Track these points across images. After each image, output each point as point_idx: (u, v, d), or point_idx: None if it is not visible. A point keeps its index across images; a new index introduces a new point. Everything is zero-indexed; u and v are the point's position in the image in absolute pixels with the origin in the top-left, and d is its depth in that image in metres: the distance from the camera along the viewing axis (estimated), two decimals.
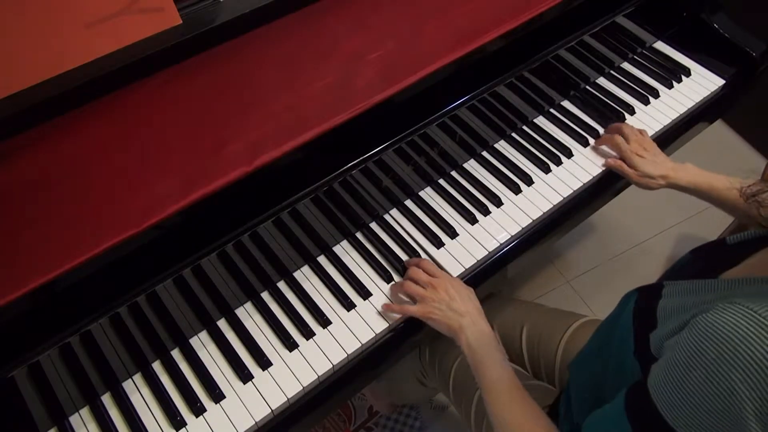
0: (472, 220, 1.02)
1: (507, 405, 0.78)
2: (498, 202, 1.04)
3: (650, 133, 1.15)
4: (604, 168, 1.09)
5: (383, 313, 0.92)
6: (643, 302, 0.66)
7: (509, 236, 1.01)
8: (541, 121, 1.16)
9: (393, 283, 0.95)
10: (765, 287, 0.54)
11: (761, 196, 0.61)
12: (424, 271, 0.92)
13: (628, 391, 0.59)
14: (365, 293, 0.94)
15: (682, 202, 1.96)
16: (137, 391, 0.85)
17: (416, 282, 0.90)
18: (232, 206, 0.79)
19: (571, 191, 1.06)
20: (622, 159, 1.06)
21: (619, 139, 1.07)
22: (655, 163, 1.03)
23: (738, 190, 0.88)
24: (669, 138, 1.18)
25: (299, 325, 0.91)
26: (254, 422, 0.83)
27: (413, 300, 0.90)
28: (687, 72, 1.25)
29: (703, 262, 0.71)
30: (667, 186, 1.02)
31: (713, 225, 1.74)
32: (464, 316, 0.86)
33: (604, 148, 1.11)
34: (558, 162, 1.10)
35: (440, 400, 1.55)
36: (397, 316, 0.91)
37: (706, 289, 0.59)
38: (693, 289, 0.61)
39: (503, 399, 0.78)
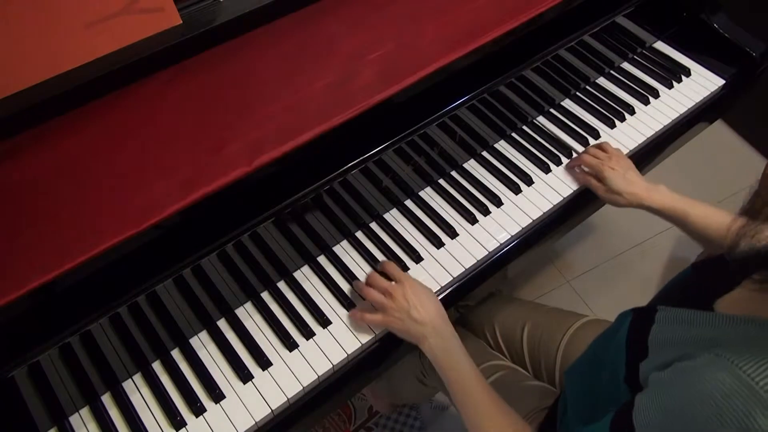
0: (472, 220, 1.02)
1: (478, 413, 0.78)
2: (498, 202, 1.04)
3: (650, 133, 1.15)
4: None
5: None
6: (637, 326, 0.65)
7: (509, 236, 1.01)
8: (541, 121, 1.16)
9: (356, 281, 0.94)
10: (751, 330, 0.53)
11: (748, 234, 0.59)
12: (386, 272, 0.91)
13: (614, 419, 0.58)
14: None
15: None
16: (137, 391, 0.85)
17: (377, 287, 0.89)
18: (232, 206, 0.79)
19: (571, 191, 1.06)
20: (594, 174, 1.02)
21: (589, 156, 1.03)
22: (626, 179, 0.98)
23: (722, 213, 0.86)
24: (669, 138, 1.18)
25: (299, 325, 0.91)
26: (254, 422, 0.83)
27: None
28: (687, 72, 1.25)
29: (701, 282, 0.69)
30: (637, 206, 0.98)
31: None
32: (425, 325, 0.83)
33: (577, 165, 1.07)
34: (558, 162, 1.10)
35: (440, 400, 1.55)
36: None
37: (697, 323, 0.59)
38: (685, 320, 0.60)
39: (473, 407, 0.79)
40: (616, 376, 0.63)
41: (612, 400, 0.63)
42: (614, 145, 1.13)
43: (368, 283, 0.91)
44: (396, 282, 0.88)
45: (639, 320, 0.66)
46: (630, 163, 1.02)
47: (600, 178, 1.01)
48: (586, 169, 1.05)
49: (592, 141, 1.13)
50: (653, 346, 0.60)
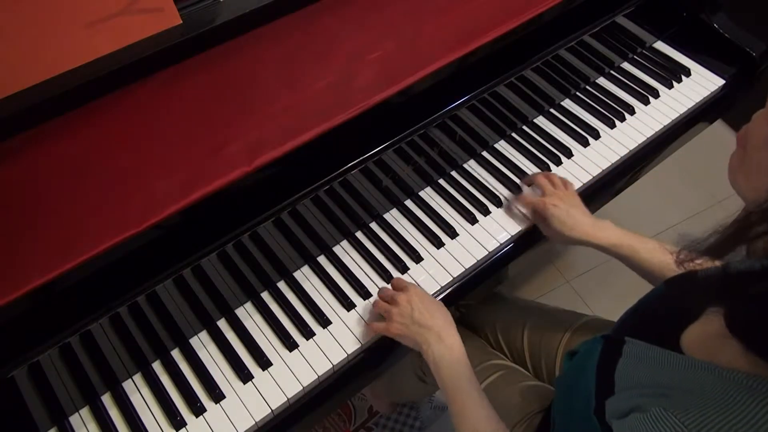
0: (472, 220, 1.02)
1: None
2: (498, 202, 1.04)
3: (650, 133, 1.15)
4: (603, 170, 1.10)
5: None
6: (606, 356, 0.65)
7: (509, 236, 1.01)
8: (541, 121, 1.16)
9: (360, 309, 0.93)
10: (708, 380, 0.53)
11: (695, 262, 0.59)
12: (392, 287, 0.91)
13: None
14: (365, 293, 0.94)
15: (682, 202, 1.97)
16: (137, 391, 0.85)
17: (383, 296, 0.89)
18: (232, 206, 0.79)
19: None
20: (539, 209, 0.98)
21: (529, 196, 1.00)
22: (570, 215, 0.94)
23: (670, 253, 0.81)
24: (669, 138, 1.18)
25: (299, 325, 0.91)
26: (254, 422, 0.83)
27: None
28: (687, 72, 1.25)
29: (672, 304, 0.68)
30: (583, 243, 0.95)
31: (713, 225, 1.74)
32: (430, 329, 0.82)
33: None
34: (558, 162, 1.10)
35: (440, 400, 1.55)
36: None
37: (660, 363, 0.59)
38: (649, 360, 0.60)
39: (470, 427, 0.77)
40: (588, 405, 0.63)
41: (586, 426, 0.63)
42: (614, 145, 1.13)
43: (378, 296, 0.92)
44: (402, 291, 0.89)
45: (608, 350, 0.66)
46: (576, 199, 0.98)
47: (543, 215, 0.97)
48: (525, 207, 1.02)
49: (592, 141, 1.13)
50: (618, 384, 0.61)
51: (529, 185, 1.06)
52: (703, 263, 0.55)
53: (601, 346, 0.67)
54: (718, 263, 0.55)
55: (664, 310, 0.69)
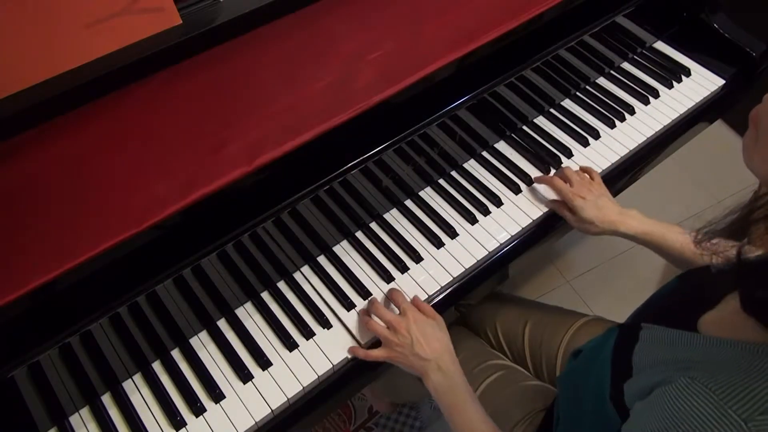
0: (472, 220, 1.02)
1: None
2: (498, 202, 1.04)
3: (650, 133, 1.15)
4: (603, 170, 1.10)
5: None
6: (621, 344, 0.65)
7: (509, 236, 1.01)
8: (541, 121, 1.16)
9: (360, 309, 0.92)
10: (730, 352, 0.53)
11: (711, 243, 0.59)
12: (392, 300, 0.90)
13: None
14: (365, 293, 0.94)
15: (682, 202, 1.97)
16: (137, 391, 0.85)
17: (380, 317, 0.88)
18: (232, 206, 0.79)
19: None
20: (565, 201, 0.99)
21: (559, 181, 1.00)
22: (598, 206, 0.95)
23: (689, 235, 0.81)
24: (669, 138, 1.18)
25: (299, 325, 0.91)
26: (254, 422, 0.83)
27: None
28: (687, 72, 1.25)
29: (686, 295, 0.69)
30: (611, 233, 0.95)
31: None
32: (429, 361, 0.83)
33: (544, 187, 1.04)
34: (558, 162, 1.10)
35: None
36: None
37: (679, 343, 0.59)
38: (667, 341, 0.60)
39: None
40: (602, 393, 0.63)
41: (597, 418, 0.63)
42: (614, 145, 1.13)
43: (371, 311, 0.90)
44: (401, 313, 0.87)
45: (623, 338, 0.66)
46: (603, 189, 1.00)
47: (570, 207, 0.97)
48: (555, 196, 1.02)
49: (592, 141, 1.13)
50: (637, 367, 0.60)
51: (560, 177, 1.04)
52: (719, 245, 0.55)
53: (616, 335, 0.67)
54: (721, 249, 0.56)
55: (679, 301, 0.69)
